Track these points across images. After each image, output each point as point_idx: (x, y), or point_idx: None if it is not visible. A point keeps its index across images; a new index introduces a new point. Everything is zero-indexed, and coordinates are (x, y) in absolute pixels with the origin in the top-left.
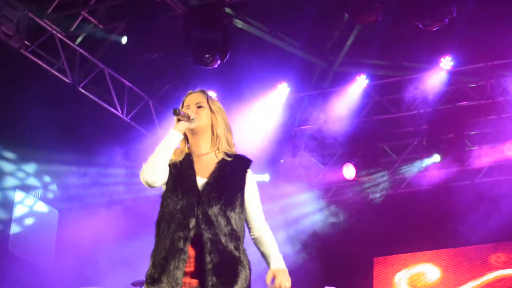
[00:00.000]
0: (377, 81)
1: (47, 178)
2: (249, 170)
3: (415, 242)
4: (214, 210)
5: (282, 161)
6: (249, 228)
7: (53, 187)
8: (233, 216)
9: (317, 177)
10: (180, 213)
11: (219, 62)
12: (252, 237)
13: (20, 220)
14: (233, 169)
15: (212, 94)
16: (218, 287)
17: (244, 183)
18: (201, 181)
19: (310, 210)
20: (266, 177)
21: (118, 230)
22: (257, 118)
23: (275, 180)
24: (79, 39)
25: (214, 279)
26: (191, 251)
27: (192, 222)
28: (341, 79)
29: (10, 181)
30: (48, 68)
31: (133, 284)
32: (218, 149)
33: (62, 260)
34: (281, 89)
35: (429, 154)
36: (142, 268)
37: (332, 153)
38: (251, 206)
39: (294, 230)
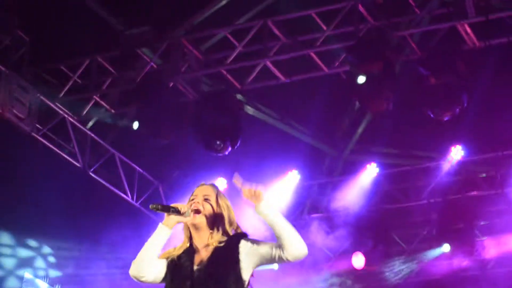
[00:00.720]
0: (387, 170)
1: (56, 266)
2: (242, 242)
3: None
4: None
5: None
6: (282, 251)
7: (61, 275)
8: None
9: (326, 265)
10: None
11: (229, 149)
12: (280, 246)
13: None
14: (224, 249)
15: (222, 181)
16: None
17: (237, 259)
18: (195, 269)
19: None
20: (275, 266)
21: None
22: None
23: (283, 268)
24: (90, 123)
25: None
26: None
27: None
28: (351, 167)
29: (20, 265)
30: (59, 151)
31: None
32: (214, 241)
33: None
34: (291, 176)
35: (438, 244)
36: None
37: (341, 242)
38: (261, 249)
39: None
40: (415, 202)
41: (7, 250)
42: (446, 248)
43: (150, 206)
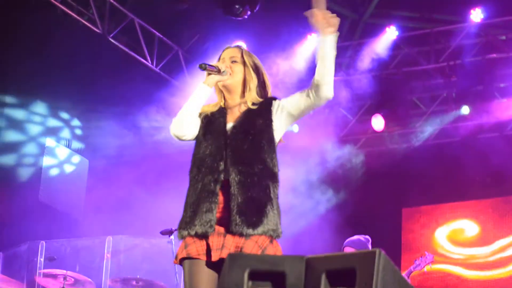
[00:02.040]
0: (407, 33)
1: (77, 128)
2: (274, 102)
3: (445, 193)
4: (241, 151)
5: (311, 112)
6: (314, 88)
7: (83, 136)
8: (262, 156)
9: (346, 128)
10: (209, 157)
11: (249, 13)
12: (315, 83)
13: (50, 169)
14: (258, 111)
15: (242, 45)
16: (242, 226)
17: (270, 120)
18: (229, 126)
19: (339, 159)
20: (295, 128)
21: (150, 182)
22: (287, 69)
23: (304, 130)
24: None
25: (238, 219)
26: (221, 196)
27: (221, 165)
28: (370, 30)
29: (40, 130)
30: (78, 18)
31: (162, 232)
32: (247, 100)
33: (91, 210)
34: (311, 40)
35: (458, 106)
36: (173, 219)
37: (361, 105)
38: (290, 99)
39: (322, 178)
40: (435, 64)
41: (37, 118)
42: (465, 110)
43: (198, 66)
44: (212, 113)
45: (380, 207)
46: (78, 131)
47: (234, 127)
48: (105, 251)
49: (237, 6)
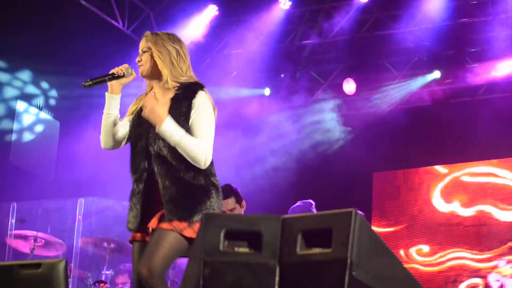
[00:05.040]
0: None
1: (47, 88)
2: (198, 94)
3: (416, 157)
4: (161, 146)
5: (282, 75)
6: None
7: (54, 97)
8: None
9: (317, 91)
10: (135, 157)
11: None
12: None
13: (21, 130)
14: (178, 101)
15: (212, 8)
16: (177, 213)
17: (189, 110)
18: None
19: (308, 124)
20: (266, 91)
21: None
22: (258, 32)
23: (275, 94)
24: None
25: (171, 206)
26: (150, 191)
27: (144, 163)
28: None
29: (10, 91)
30: None
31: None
32: (168, 87)
33: (63, 172)
34: (282, 2)
35: (429, 70)
36: None
37: (332, 68)
38: (191, 127)
39: (293, 142)
40: (406, 28)
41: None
42: (436, 74)
43: (82, 85)
44: (138, 111)
45: (352, 171)
46: (51, 94)
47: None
48: (77, 213)
49: None
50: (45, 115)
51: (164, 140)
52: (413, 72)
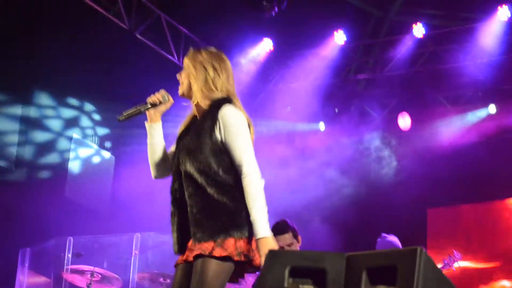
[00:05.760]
0: (433, 30)
1: (103, 123)
2: (222, 110)
3: (470, 193)
4: (187, 165)
5: (336, 110)
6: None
7: (110, 132)
8: (206, 163)
9: (371, 126)
10: (172, 179)
11: (276, 9)
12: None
13: (77, 164)
14: (203, 118)
15: (267, 41)
16: (200, 234)
17: (213, 124)
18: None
19: (362, 158)
20: (321, 126)
21: None
22: (312, 66)
23: (330, 128)
24: None
25: (195, 229)
26: (183, 212)
27: (175, 184)
28: (396, 28)
29: (67, 125)
30: (105, 13)
31: None
32: (198, 103)
33: (118, 206)
34: (337, 37)
35: (484, 105)
36: None
37: (387, 103)
38: (229, 149)
39: (347, 177)
40: (461, 63)
41: (50, 112)
42: (492, 108)
43: (118, 119)
44: (181, 133)
45: (406, 206)
46: (106, 129)
47: (181, 142)
48: (133, 247)
49: (265, 3)
50: (100, 150)
51: (192, 158)
52: (468, 107)
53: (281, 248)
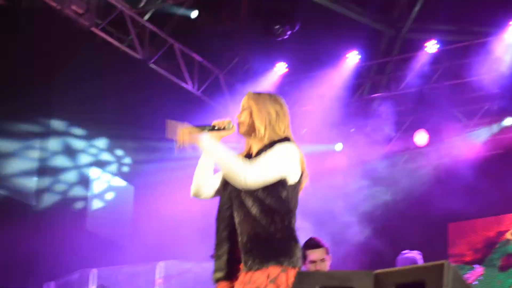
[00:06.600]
0: (447, 46)
1: (121, 154)
2: (279, 142)
3: (489, 206)
4: (242, 195)
5: (352, 130)
6: None
7: (128, 162)
8: (260, 195)
9: (388, 144)
10: (222, 204)
11: (289, 32)
12: None
13: (97, 196)
14: (261, 150)
15: (282, 65)
16: (251, 263)
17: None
18: None
19: (380, 177)
20: (338, 147)
21: (195, 205)
22: (327, 88)
23: (346, 148)
24: (148, 15)
25: (246, 257)
26: (233, 239)
27: (228, 211)
28: (409, 45)
29: (84, 158)
30: (118, 45)
31: (213, 256)
32: (261, 141)
33: (140, 236)
34: (351, 57)
35: (501, 118)
36: None
37: (402, 120)
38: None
39: (365, 196)
40: (476, 77)
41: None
42: (508, 121)
43: (207, 131)
44: None
45: (426, 221)
46: (124, 159)
47: None
48: (156, 276)
49: (277, 27)
50: (119, 180)
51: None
52: (485, 120)
53: (314, 262)
